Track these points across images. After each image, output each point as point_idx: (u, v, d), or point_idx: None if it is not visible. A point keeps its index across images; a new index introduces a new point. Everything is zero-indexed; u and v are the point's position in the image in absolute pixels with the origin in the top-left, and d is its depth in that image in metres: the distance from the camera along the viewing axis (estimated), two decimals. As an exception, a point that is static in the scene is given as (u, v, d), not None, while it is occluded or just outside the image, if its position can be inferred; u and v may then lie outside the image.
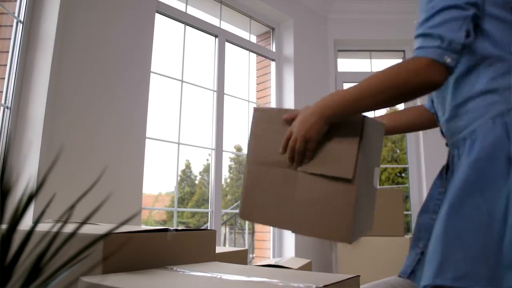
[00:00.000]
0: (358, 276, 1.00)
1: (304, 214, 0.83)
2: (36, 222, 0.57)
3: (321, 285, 0.85)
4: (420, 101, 1.56)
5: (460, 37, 0.76)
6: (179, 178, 3.11)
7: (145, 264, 1.12)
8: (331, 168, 0.81)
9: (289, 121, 0.88)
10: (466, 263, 0.74)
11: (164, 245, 1.19)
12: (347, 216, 0.79)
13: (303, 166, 0.85)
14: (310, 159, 0.83)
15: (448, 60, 0.75)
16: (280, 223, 0.86)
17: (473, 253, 0.75)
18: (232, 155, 3.16)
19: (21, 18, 2.00)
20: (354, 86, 0.83)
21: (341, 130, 0.82)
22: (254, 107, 0.94)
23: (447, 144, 0.97)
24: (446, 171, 0.94)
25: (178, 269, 1.08)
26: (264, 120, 0.92)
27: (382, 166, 4.00)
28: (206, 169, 3.02)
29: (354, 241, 0.82)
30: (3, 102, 1.91)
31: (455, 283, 0.74)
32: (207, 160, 3.10)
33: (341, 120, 0.83)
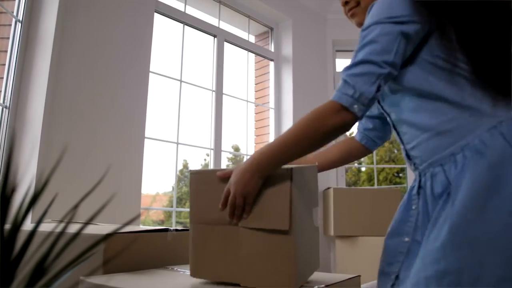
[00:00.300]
0: (359, 276, 1.01)
1: (250, 267, 0.88)
2: (38, 222, 0.57)
3: (323, 285, 0.86)
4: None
5: (370, 92, 0.86)
6: (177, 178, 3.12)
7: (146, 264, 1.12)
8: (268, 221, 0.87)
9: (223, 179, 0.93)
10: (501, 266, 0.76)
11: (165, 245, 1.19)
12: (289, 265, 0.84)
13: (243, 222, 0.90)
14: (249, 213, 0.89)
15: (356, 109, 0.86)
16: (230, 278, 0.90)
17: (505, 255, 0.76)
18: (230, 155, 3.16)
19: (20, 17, 1.99)
20: (279, 138, 0.91)
21: (273, 183, 0.89)
22: (189, 171, 0.99)
23: (415, 165, 0.98)
24: (418, 192, 0.94)
25: (179, 269, 1.08)
26: (201, 181, 0.97)
27: (380, 166, 4.01)
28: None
29: (300, 284, 0.86)
30: (1, 101, 1.91)
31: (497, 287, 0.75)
32: (205, 160, 3.10)
33: (275, 171, 0.89)
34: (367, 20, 0.92)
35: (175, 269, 1.09)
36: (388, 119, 1.07)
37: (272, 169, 0.89)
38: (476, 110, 0.87)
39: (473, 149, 0.84)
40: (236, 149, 3.26)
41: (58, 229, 0.56)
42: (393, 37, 0.88)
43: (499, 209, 0.78)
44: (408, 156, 1.01)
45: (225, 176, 0.92)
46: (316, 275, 1.02)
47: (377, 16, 0.90)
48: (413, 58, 0.92)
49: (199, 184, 0.97)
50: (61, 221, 0.62)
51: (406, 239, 0.92)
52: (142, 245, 1.13)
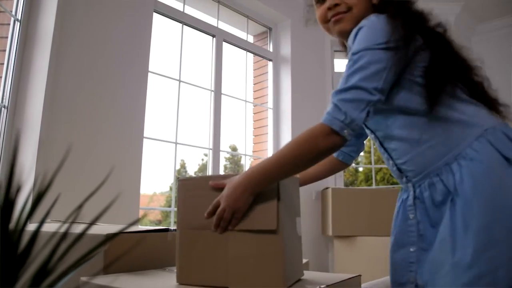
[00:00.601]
0: (359, 275, 1.01)
1: (238, 269, 0.89)
2: (41, 222, 0.57)
3: (324, 285, 0.86)
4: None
5: (360, 118, 0.92)
6: (175, 178, 3.11)
7: (147, 264, 1.12)
8: (257, 223, 0.89)
9: (216, 189, 0.95)
10: None
11: (165, 245, 1.19)
12: (278, 264, 0.86)
13: (231, 225, 0.92)
14: (235, 226, 0.91)
15: (346, 134, 0.92)
16: (217, 282, 0.91)
17: None
18: (227, 155, 3.16)
19: (19, 16, 1.99)
20: (273, 157, 0.95)
21: (261, 191, 0.91)
22: (178, 178, 1.01)
23: (407, 178, 1.03)
24: (414, 202, 1.01)
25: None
26: (190, 187, 0.98)
27: (378, 166, 4.02)
28: (202, 169, 3.05)
29: (288, 285, 0.88)
30: (0, 101, 1.90)
31: None
32: (202, 160, 3.10)
33: (266, 188, 0.91)
34: (356, 45, 0.96)
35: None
36: (372, 136, 1.12)
37: (263, 186, 0.91)
38: (462, 122, 0.95)
39: (467, 158, 0.91)
40: (234, 149, 3.25)
41: (62, 230, 0.56)
42: (382, 64, 0.93)
43: (510, 208, 0.85)
44: (399, 170, 1.06)
45: (218, 187, 0.94)
46: (317, 275, 1.02)
47: (366, 42, 0.95)
48: (398, 79, 0.98)
49: (187, 190, 0.98)
50: (60, 221, 0.62)
51: (412, 249, 0.98)
52: (143, 245, 1.13)
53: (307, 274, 1.02)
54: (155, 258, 1.17)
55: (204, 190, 0.95)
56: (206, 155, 2.94)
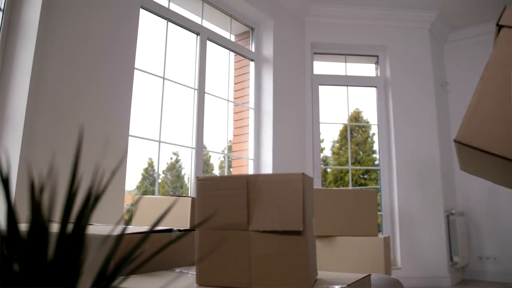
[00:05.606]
0: (369, 275, 1.03)
1: (261, 269, 0.90)
2: (84, 224, 0.56)
3: (345, 285, 0.88)
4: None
5: None
6: (141, 177, 3.05)
7: (151, 265, 1.10)
8: (282, 223, 0.89)
9: (236, 188, 0.95)
10: None
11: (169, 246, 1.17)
12: (303, 264, 0.87)
13: (255, 225, 0.91)
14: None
15: None
16: (239, 283, 0.91)
17: None
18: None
19: (1, 5, 1.89)
20: None
21: (285, 186, 0.91)
22: (196, 177, 1.01)
23: None
24: None
25: (190, 272, 1.07)
26: (209, 187, 0.98)
27: (353, 168, 4.11)
28: (170, 168, 3.02)
29: (311, 285, 0.89)
30: (-20, 94, 1.80)
31: None
32: (171, 158, 3.05)
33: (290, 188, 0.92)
34: None
35: (186, 272, 1.08)
36: None
37: None
38: None
39: None
40: (203, 147, 3.23)
41: (116, 232, 0.54)
42: None
43: None
44: None
45: None
46: (329, 275, 1.04)
47: None
48: None
49: (206, 190, 0.97)
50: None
51: None
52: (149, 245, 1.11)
53: (325, 274, 1.03)
54: (159, 259, 1.15)
55: (224, 190, 0.94)
56: (175, 153, 2.90)
